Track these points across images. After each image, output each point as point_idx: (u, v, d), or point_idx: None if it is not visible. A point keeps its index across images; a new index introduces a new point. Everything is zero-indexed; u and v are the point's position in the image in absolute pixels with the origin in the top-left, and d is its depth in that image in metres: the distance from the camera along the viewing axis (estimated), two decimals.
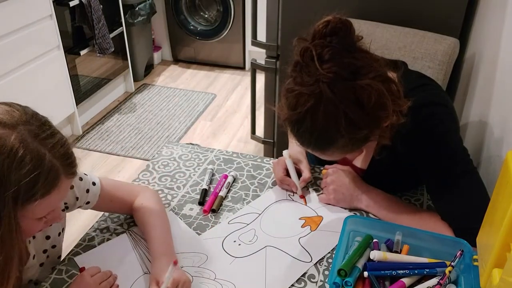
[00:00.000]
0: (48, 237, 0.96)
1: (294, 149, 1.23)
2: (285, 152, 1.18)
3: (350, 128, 0.84)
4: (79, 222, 2.18)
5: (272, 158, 1.28)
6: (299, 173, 1.17)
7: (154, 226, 0.99)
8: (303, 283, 0.92)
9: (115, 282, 0.92)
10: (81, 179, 0.97)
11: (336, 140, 0.86)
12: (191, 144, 1.44)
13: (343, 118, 0.83)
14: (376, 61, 0.87)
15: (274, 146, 2.23)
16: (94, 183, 0.99)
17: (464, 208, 0.94)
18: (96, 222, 1.08)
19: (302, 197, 1.15)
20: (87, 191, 0.98)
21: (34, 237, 0.92)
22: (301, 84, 0.84)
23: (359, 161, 1.15)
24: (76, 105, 2.81)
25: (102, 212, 1.10)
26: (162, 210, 1.05)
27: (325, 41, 0.84)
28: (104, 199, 1.01)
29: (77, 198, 0.96)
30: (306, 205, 1.13)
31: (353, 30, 0.87)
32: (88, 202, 0.99)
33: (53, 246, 0.98)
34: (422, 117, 0.93)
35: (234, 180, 1.22)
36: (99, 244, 1.02)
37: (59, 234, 0.99)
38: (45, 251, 0.97)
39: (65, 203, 0.95)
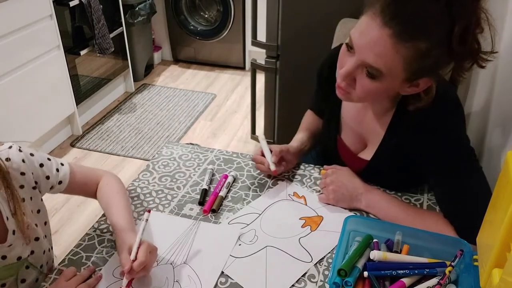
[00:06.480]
0: (38, 211, 0.98)
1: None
2: (260, 134, 1.21)
3: (441, 39, 0.82)
4: (79, 222, 2.18)
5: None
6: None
7: (117, 205, 1.02)
8: (303, 283, 0.92)
9: (98, 283, 0.90)
10: (49, 159, 0.99)
11: (424, 36, 0.83)
12: (191, 144, 1.44)
13: (446, 26, 0.81)
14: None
15: None
16: (62, 164, 1.02)
17: (469, 207, 0.94)
18: (96, 222, 1.08)
19: (275, 172, 1.16)
20: (57, 170, 1.00)
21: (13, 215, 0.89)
22: None
23: (363, 153, 1.15)
24: (76, 105, 2.81)
25: (102, 212, 1.10)
26: (123, 190, 1.09)
27: None
28: (75, 181, 1.03)
29: (47, 177, 0.97)
30: (306, 205, 1.13)
31: None
32: (60, 182, 1.01)
33: (45, 223, 1.00)
34: (437, 108, 0.94)
35: (234, 180, 1.22)
36: (99, 244, 1.02)
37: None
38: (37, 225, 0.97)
39: (36, 182, 0.95)
